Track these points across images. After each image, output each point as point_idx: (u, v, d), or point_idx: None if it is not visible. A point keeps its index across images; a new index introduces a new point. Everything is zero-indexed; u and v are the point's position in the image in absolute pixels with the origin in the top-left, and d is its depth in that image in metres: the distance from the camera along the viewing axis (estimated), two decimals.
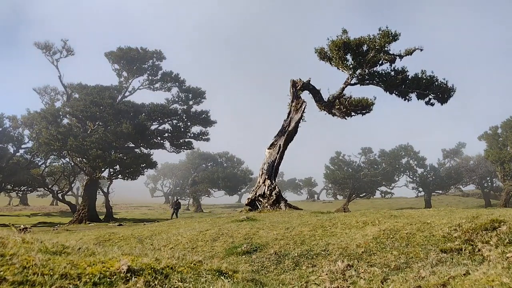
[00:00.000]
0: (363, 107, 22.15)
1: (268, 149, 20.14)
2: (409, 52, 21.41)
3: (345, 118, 22.83)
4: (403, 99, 23.14)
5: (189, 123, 35.84)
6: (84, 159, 30.62)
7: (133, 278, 3.13)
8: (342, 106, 22.31)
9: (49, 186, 39.45)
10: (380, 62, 21.59)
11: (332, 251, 6.61)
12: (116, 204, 60.53)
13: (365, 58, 21.11)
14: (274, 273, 5.97)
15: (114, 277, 3.06)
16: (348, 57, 21.69)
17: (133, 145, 34.03)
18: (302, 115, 20.29)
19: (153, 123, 34.70)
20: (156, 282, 3.20)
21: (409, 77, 22.31)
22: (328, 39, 21.59)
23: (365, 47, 21.29)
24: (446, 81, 22.57)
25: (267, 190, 18.33)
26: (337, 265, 5.71)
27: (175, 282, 3.34)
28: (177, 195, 68.92)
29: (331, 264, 5.90)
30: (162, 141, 35.50)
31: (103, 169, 31.75)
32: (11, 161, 37.60)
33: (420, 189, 50.02)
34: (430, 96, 22.87)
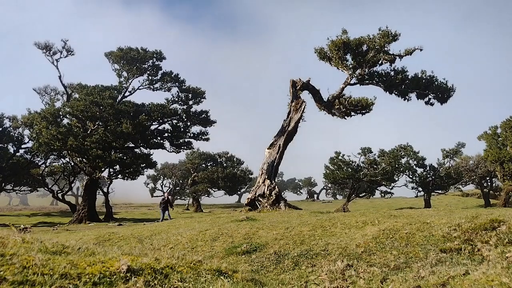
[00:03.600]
0: (363, 107, 22.16)
1: (267, 149, 20.14)
2: (409, 52, 21.43)
3: (345, 118, 22.84)
4: (403, 99, 23.17)
5: (189, 123, 35.81)
6: (84, 159, 30.59)
7: (133, 278, 3.13)
8: (341, 106, 22.32)
9: (49, 186, 39.36)
10: (380, 62, 21.60)
11: (332, 251, 6.62)
12: (116, 204, 60.56)
13: (364, 58, 21.12)
14: (273, 273, 5.98)
15: (114, 277, 3.07)
16: (348, 57, 21.71)
17: (133, 145, 34.00)
18: (301, 115, 20.29)
19: (153, 123, 34.66)
20: (156, 282, 3.21)
21: (409, 77, 22.34)
22: (328, 38, 21.63)
23: (364, 47, 21.31)
24: (446, 81, 22.62)
25: (267, 190, 18.34)
26: (337, 265, 5.71)
27: (175, 282, 3.34)
28: (177, 195, 68.76)
29: (330, 264, 5.90)
30: (162, 141, 35.47)
31: (103, 169, 31.73)
32: (11, 161, 37.57)
33: (420, 189, 50.00)
34: (430, 96, 22.91)
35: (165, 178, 73.61)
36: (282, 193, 30.92)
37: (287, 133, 20.02)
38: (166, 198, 23.88)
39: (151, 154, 34.68)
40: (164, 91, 35.39)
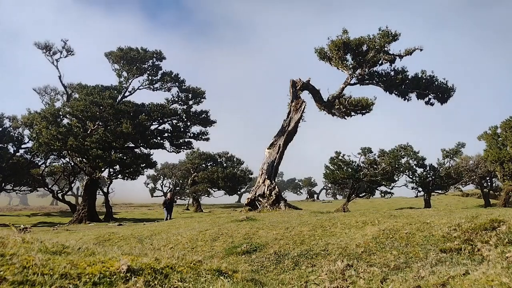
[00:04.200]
0: (363, 107, 22.17)
1: (267, 149, 20.13)
2: (409, 52, 21.43)
3: (345, 118, 22.85)
4: (403, 99, 23.17)
5: (188, 123, 35.81)
6: (84, 159, 30.59)
7: (133, 277, 3.13)
8: (341, 106, 22.32)
9: (49, 186, 39.37)
10: (380, 62, 21.61)
11: (332, 251, 6.62)
12: (116, 204, 60.49)
13: (365, 58, 21.13)
14: (273, 273, 5.98)
15: (114, 277, 3.07)
16: (348, 57, 21.72)
17: (133, 145, 33.99)
18: (301, 115, 20.30)
19: (153, 123, 34.67)
20: (156, 282, 3.21)
21: (409, 77, 22.34)
22: (328, 38, 21.64)
23: (364, 47, 21.31)
24: (446, 81, 22.62)
25: (267, 190, 18.33)
26: (337, 265, 5.71)
27: (175, 282, 3.34)
28: (177, 195, 68.75)
29: (330, 264, 5.90)
30: (162, 141, 35.46)
31: (103, 169, 31.73)
32: (11, 161, 37.55)
33: (420, 189, 49.97)
34: (430, 96, 22.91)
35: (165, 178, 73.60)
36: (282, 193, 30.88)
37: (287, 133, 20.01)
38: (171, 199, 24.36)
39: (151, 154, 34.70)
40: (164, 91, 35.38)
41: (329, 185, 78.95)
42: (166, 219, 22.03)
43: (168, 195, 25.72)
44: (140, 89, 34.49)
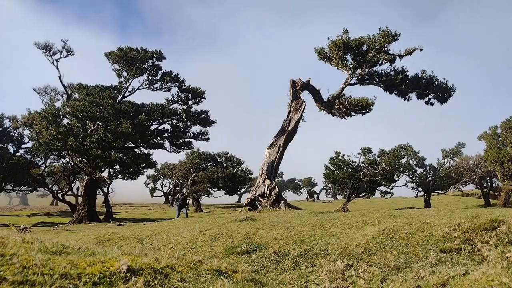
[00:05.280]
0: (363, 107, 22.16)
1: (267, 149, 20.13)
2: (409, 52, 21.43)
3: (345, 118, 22.85)
4: (403, 99, 23.17)
5: (188, 123, 35.81)
6: (84, 159, 30.59)
7: (133, 277, 3.14)
8: (341, 106, 22.31)
9: (49, 186, 39.40)
10: (380, 62, 21.61)
11: (332, 251, 6.62)
12: (116, 204, 60.45)
13: (364, 58, 21.12)
14: (273, 273, 5.98)
15: (114, 277, 3.07)
16: (348, 57, 21.72)
17: (133, 145, 34.00)
18: (301, 115, 20.30)
19: (153, 123, 34.68)
20: (156, 282, 3.21)
21: (409, 77, 22.34)
22: (328, 38, 21.64)
23: (364, 47, 21.31)
24: (446, 81, 22.62)
25: (267, 190, 18.33)
26: (337, 265, 5.71)
27: (175, 282, 3.34)
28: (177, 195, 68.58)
29: (330, 264, 5.90)
30: (162, 141, 35.46)
31: (103, 169, 31.74)
32: (11, 161, 37.54)
33: (420, 189, 50.02)
34: (430, 96, 22.90)
35: (165, 178, 73.62)
36: (282, 193, 30.91)
37: (287, 133, 20.02)
38: (184, 195, 24.07)
39: (151, 154, 34.72)
40: (164, 91, 35.36)
41: (329, 185, 78.91)
42: (186, 216, 21.90)
43: (184, 190, 25.30)
44: (140, 89, 34.47)
